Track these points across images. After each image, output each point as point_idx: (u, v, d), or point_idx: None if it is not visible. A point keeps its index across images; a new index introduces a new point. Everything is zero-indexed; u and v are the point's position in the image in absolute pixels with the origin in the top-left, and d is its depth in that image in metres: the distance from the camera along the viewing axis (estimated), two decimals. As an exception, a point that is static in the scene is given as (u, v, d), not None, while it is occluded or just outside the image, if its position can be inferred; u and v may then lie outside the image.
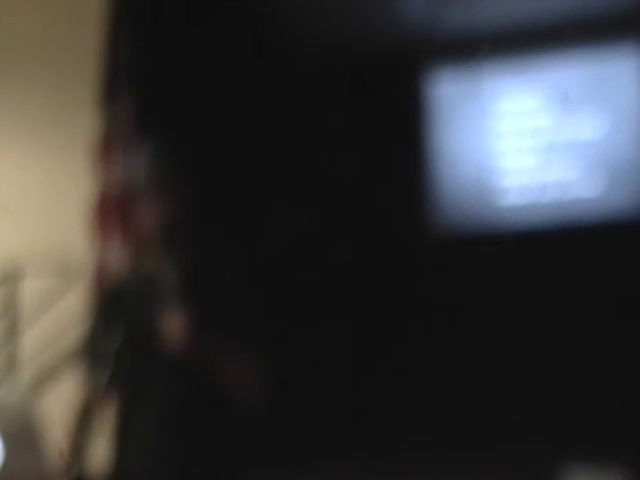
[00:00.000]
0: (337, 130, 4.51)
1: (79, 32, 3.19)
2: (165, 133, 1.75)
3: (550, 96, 4.71)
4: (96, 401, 1.54)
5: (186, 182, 1.62)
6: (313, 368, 3.27)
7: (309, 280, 4.03)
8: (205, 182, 1.62)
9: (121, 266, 2.82)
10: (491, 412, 3.92)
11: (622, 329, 4.04)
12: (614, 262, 4.23)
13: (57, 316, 3.11)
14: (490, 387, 4.07)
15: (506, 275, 4.42)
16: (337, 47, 4.61)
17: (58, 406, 2.70)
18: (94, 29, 2.96)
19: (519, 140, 4.83)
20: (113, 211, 2.82)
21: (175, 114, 2.92)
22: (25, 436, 1.89)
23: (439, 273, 4.56)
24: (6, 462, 1.78)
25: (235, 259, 1.60)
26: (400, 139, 4.72)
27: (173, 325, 1.52)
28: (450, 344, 4.24)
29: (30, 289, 3.16)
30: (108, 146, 2.87)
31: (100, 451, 2.68)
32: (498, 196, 4.79)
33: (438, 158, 4.85)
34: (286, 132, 4.25)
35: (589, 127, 4.65)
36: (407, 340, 4.29)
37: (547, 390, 3.95)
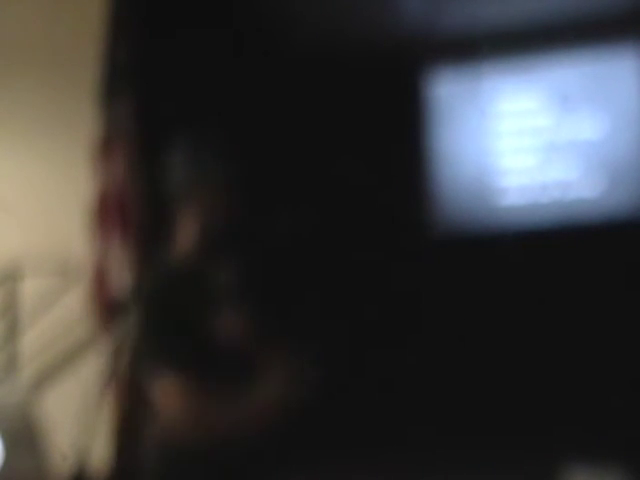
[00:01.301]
0: (336, 130, 4.52)
1: (79, 32, 3.19)
2: (200, 132, 1.77)
3: (550, 96, 4.73)
4: (137, 400, 1.53)
5: (224, 180, 1.63)
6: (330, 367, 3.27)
7: (311, 279, 4.03)
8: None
9: (121, 266, 2.83)
10: (490, 412, 3.93)
11: (622, 329, 4.05)
12: (614, 262, 4.25)
13: (57, 316, 3.11)
14: (489, 386, 4.08)
15: (506, 275, 4.44)
16: (336, 47, 4.62)
17: (58, 406, 2.70)
18: (94, 29, 2.96)
19: (519, 140, 4.84)
20: (113, 211, 2.84)
21: (174, 113, 2.93)
22: (25, 436, 1.89)
23: (439, 273, 4.58)
24: (6, 462, 1.78)
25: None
26: (399, 139, 4.73)
27: (229, 324, 1.52)
28: (449, 344, 4.25)
29: (30, 289, 3.16)
30: (108, 146, 2.88)
31: (100, 450, 2.68)
32: (497, 196, 4.81)
33: (437, 158, 4.86)
34: (285, 131, 4.26)
35: (589, 127, 4.67)
36: (407, 340, 4.30)
37: (547, 390, 3.96)
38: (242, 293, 1.52)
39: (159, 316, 1.52)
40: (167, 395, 1.48)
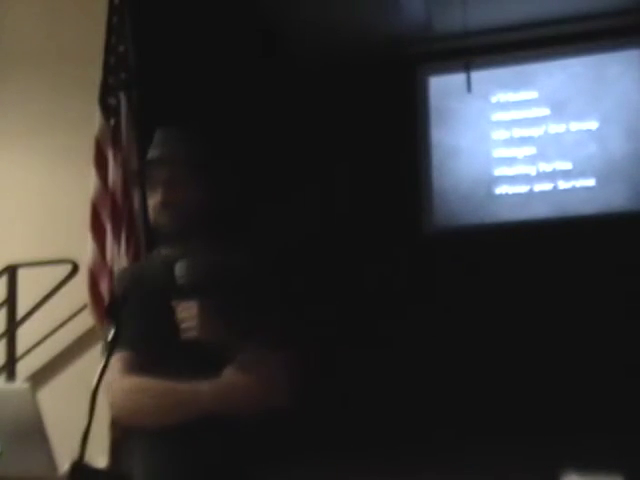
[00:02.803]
0: (338, 127, 4.54)
1: (80, 33, 3.20)
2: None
3: (546, 90, 4.76)
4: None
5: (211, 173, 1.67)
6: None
7: (315, 273, 4.06)
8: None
9: (118, 260, 2.86)
10: (488, 414, 3.96)
11: (618, 323, 4.09)
12: (606, 250, 4.30)
13: (56, 308, 3.13)
14: (487, 385, 4.12)
15: (503, 263, 4.48)
16: (337, 46, 4.63)
17: (58, 401, 2.73)
18: (95, 30, 2.97)
19: (515, 132, 4.88)
20: (111, 209, 2.87)
21: (173, 112, 2.95)
22: (24, 430, 1.91)
23: (437, 262, 4.62)
24: (6, 458, 1.80)
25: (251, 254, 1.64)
26: (398, 132, 4.76)
27: (190, 314, 1.55)
28: (447, 341, 4.28)
29: (29, 282, 3.18)
30: (108, 145, 2.90)
31: (99, 447, 2.72)
32: (494, 186, 4.86)
33: (437, 151, 4.91)
34: (284, 130, 4.27)
35: (583, 120, 4.70)
36: (405, 334, 4.34)
37: (545, 389, 3.99)
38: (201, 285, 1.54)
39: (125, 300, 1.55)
40: (115, 374, 1.51)
